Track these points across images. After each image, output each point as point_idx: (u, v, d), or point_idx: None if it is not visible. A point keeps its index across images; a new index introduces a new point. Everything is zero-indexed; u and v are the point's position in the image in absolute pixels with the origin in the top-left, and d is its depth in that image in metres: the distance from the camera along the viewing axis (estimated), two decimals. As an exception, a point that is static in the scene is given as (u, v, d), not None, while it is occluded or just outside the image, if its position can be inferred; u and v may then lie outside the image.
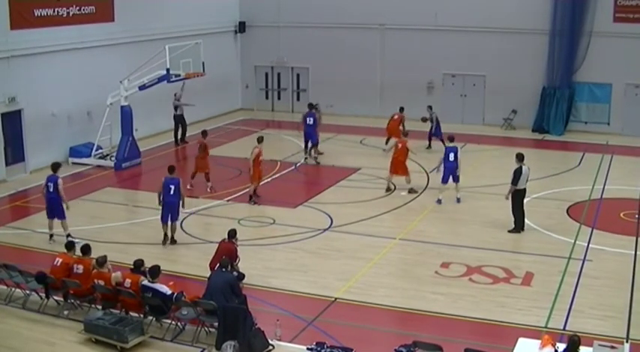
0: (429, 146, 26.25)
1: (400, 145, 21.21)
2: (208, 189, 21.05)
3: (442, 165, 20.19)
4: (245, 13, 33.90)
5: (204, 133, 22.17)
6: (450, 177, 20.11)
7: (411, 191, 21.03)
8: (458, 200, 20.22)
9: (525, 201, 18.28)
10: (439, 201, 20.14)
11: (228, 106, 33.64)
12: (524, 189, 18.02)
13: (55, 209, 17.21)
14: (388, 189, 21.24)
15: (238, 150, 25.08)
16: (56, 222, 17.29)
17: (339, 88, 32.10)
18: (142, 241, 17.45)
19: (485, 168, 22.35)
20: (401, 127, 24.92)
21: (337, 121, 30.57)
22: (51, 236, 17.26)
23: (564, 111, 28.99)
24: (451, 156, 20.02)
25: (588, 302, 13.92)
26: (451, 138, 20.83)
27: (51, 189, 17.15)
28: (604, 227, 18.05)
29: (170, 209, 17.04)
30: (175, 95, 27.17)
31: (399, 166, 21.16)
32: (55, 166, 17.75)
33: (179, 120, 27.46)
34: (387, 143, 25.30)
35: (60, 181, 17.26)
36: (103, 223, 18.65)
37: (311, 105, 25.84)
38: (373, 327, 13.06)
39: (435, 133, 26.21)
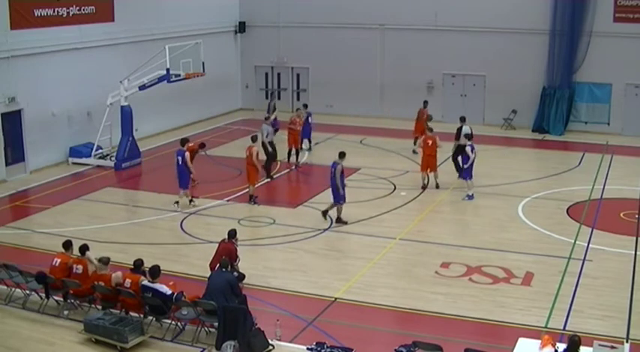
0: (308, 147, 25.98)
1: (430, 142, 21.26)
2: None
3: (469, 161, 20.35)
4: (245, 13, 33.90)
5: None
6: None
7: (437, 186, 21.34)
8: (471, 197, 20.43)
9: (524, 201, 18.78)
10: (471, 197, 20.38)
11: (228, 106, 33.64)
12: (464, 145, 21.10)
13: (181, 179, 19.50)
14: (424, 187, 21.32)
15: (238, 150, 25.05)
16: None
17: (339, 87, 32.10)
18: (142, 241, 17.46)
19: (485, 168, 22.34)
20: (427, 124, 24.52)
21: (337, 121, 30.61)
22: (177, 202, 19.63)
23: (564, 111, 28.98)
24: (473, 153, 20.35)
25: (588, 302, 13.92)
26: (470, 136, 20.90)
27: (180, 163, 19.40)
28: (604, 227, 18.04)
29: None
30: (267, 118, 23.66)
31: (432, 163, 21.34)
32: (183, 141, 19.97)
33: (273, 147, 23.17)
34: (415, 143, 25.26)
35: (187, 154, 19.40)
36: (103, 223, 18.65)
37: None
38: (373, 327, 13.06)
39: (305, 133, 25.54)
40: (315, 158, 25.37)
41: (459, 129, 22.03)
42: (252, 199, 20.23)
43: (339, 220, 18.51)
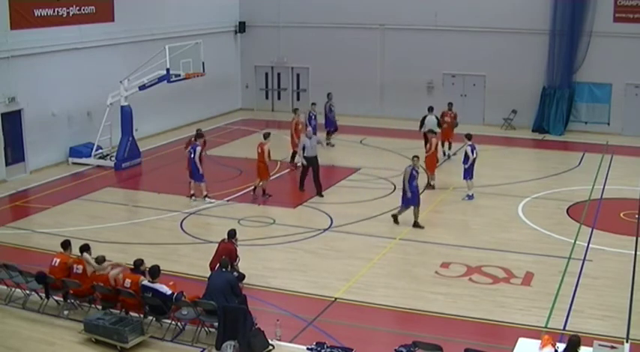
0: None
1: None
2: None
3: (469, 161, 20.38)
4: (245, 13, 33.90)
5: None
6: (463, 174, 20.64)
7: (434, 187, 21.45)
8: (471, 197, 20.44)
9: (524, 201, 19.10)
10: (471, 197, 20.41)
11: (228, 106, 33.65)
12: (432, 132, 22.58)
13: (193, 172, 19.95)
14: (433, 187, 21.44)
15: (238, 150, 25.05)
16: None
17: (339, 88, 31.99)
18: (142, 241, 17.46)
19: (484, 168, 22.33)
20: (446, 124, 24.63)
21: (337, 121, 30.53)
22: (192, 195, 20.24)
23: (564, 111, 29.00)
24: (474, 153, 20.36)
25: (588, 302, 13.93)
26: (469, 136, 20.91)
27: (192, 156, 19.95)
28: (604, 227, 18.05)
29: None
30: (308, 133, 21.49)
31: (435, 163, 21.70)
32: (197, 135, 20.60)
33: (310, 163, 20.95)
34: (450, 147, 24.96)
35: (198, 149, 19.99)
36: (103, 223, 18.65)
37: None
38: (373, 327, 13.06)
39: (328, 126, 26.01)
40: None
41: (424, 119, 23.70)
42: (265, 194, 20.49)
43: (415, 224, 18.19)
